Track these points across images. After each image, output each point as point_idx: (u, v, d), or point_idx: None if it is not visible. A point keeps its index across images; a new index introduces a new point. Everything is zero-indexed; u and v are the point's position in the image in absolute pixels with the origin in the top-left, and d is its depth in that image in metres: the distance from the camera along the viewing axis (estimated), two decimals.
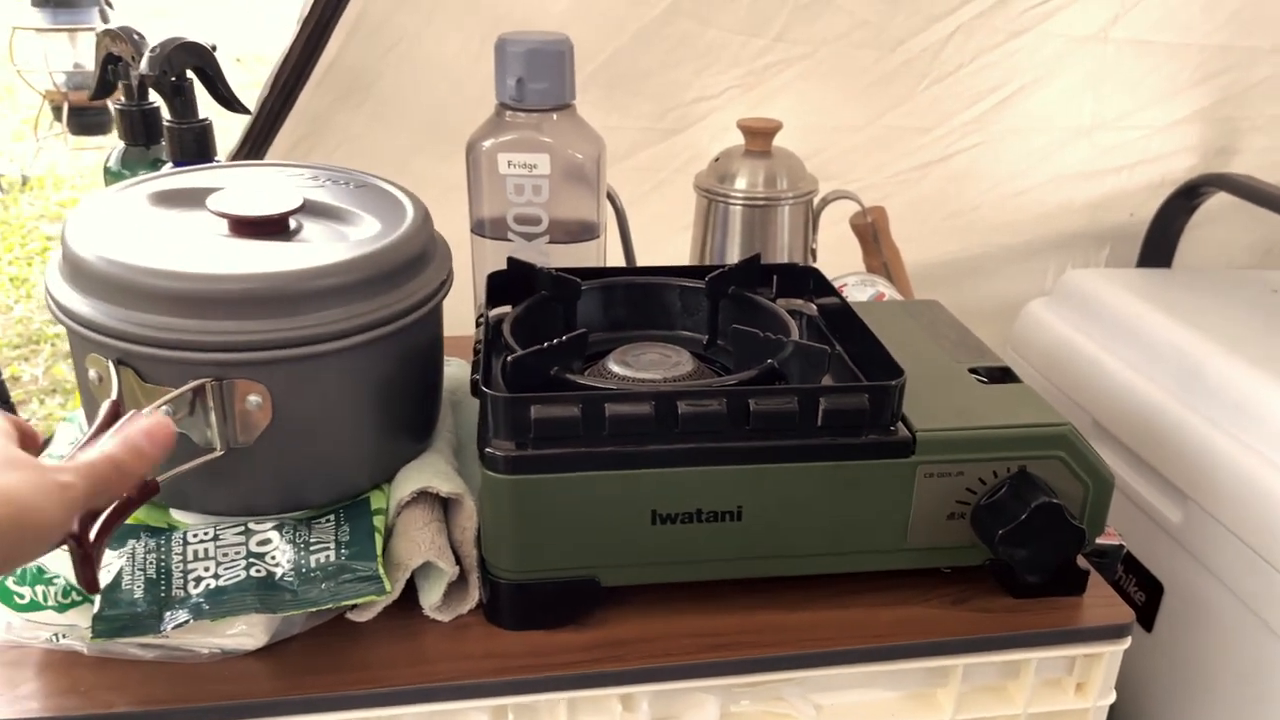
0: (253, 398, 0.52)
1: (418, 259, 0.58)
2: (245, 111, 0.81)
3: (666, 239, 0.95)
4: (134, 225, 0.57)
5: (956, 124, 1.05)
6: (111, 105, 0.82)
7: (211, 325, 0.50)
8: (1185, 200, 1.06)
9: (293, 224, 0.59)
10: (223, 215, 0.57)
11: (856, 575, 0.59)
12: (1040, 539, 0.55)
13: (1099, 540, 0.73)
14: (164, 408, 0.50)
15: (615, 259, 0.88)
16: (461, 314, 0.70)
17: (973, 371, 0.63)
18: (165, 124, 0.75)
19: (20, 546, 0.39)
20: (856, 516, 0.57)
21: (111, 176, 0.82)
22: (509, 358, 0.55)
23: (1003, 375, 0.63)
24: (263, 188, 0.62)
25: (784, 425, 0.54)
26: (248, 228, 0.57)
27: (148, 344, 0.51)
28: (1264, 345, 0.83)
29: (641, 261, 0.89)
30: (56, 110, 3.00)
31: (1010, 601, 0.60)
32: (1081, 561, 0.61)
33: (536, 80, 0.74)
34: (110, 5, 2.57)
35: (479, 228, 0.79)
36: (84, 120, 2.96)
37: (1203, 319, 0.88)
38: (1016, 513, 0.55)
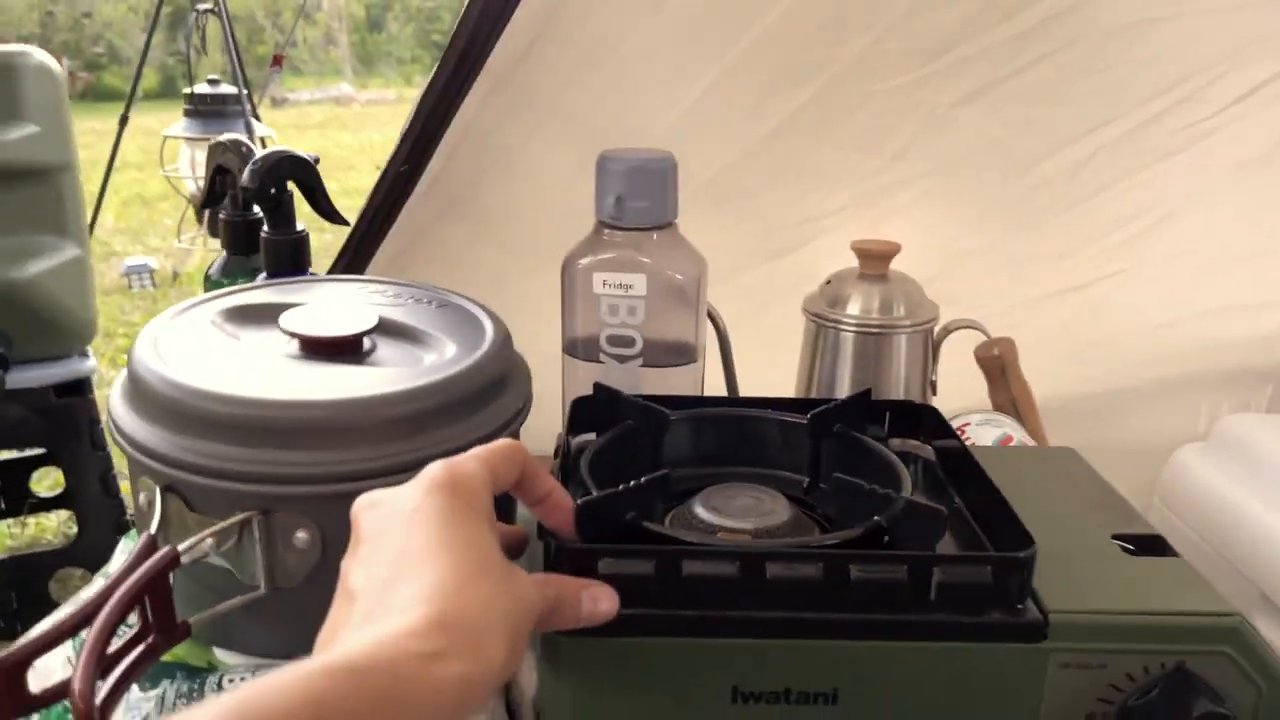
0: (301, 534, 0.48)
1: (491, 387, 0.54)
2: (344, 223, 0.81)
3: (772, 366, 0.89)
4: (202, 344, 0.54)
5: (1095, 250, 0.97)
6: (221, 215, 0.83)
7: (259, 455, 0.47)
8: None
9: (367, 344, 0.56)
10: (293, 335, 0.54)
11: None
12: None
13: None
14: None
15: (715, 386, 0.82)
16: (551, 438, 0.65)
17: (1118, 539, 0.55)
18: (262, 235, 0.75)
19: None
20: (975, 708, 0.48)
21: (211, 284, 0.82)
22: (579, 501, 0.49)
23: (1154, 545, 0.55)
24: (339, 306, 0.59)
25: (890, 598, 0.47)
26: (318, 348, 0.54)
27: (193, 471, 0.47)
28: None
29: (744, 388, 0.83)
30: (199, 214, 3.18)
31: None
32: None
33: (636, 199, 0.70)
34: (258, 118, 2.73)
35: (571, 348, 0.75)
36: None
37: None
38: None
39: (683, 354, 0.74)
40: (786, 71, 0.86)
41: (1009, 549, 0.48)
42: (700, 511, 0.56)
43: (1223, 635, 0.47)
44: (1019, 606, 0.48)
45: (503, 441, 0.44)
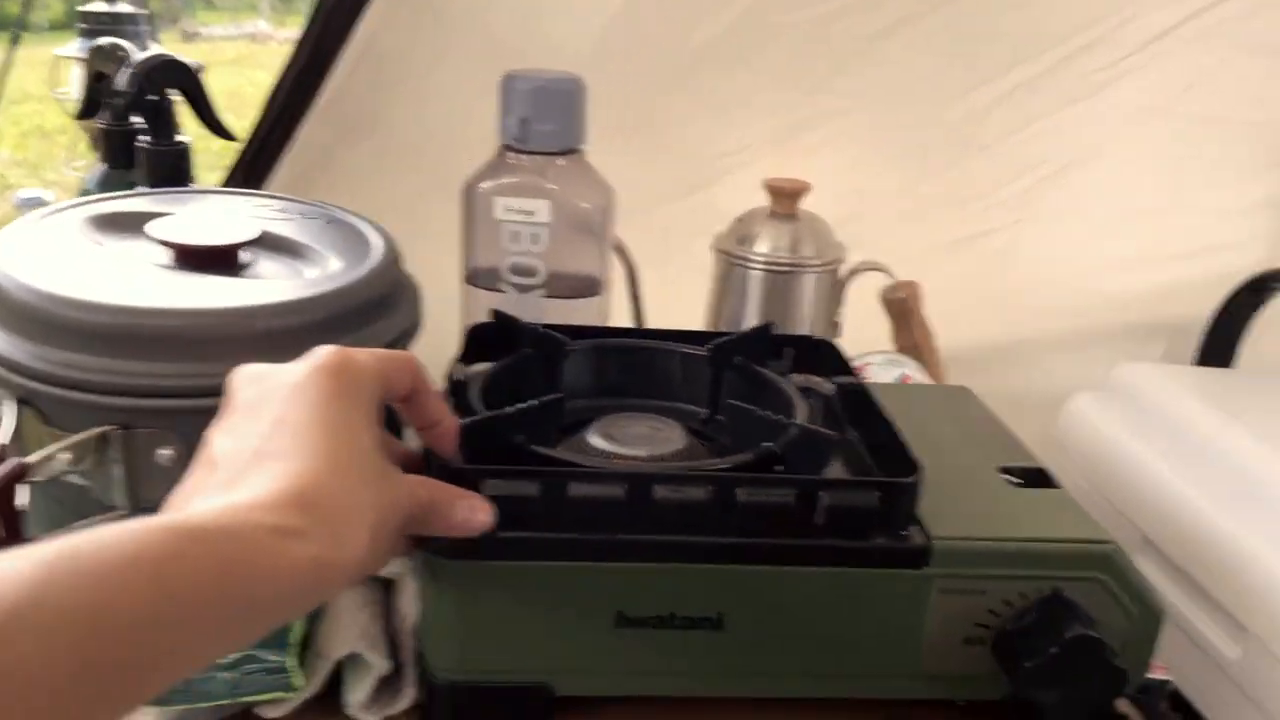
0: (164, 451, 0.45)
1: (376, 304, 0.52)
2: (232, 138, 0.77)
3: (683, 305, 0.88)
4: (65, 251, 0.51)
5: (1003, 196, 0.97)
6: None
7: (119, 365, 0.44)
8: (1251, 296, 0.97)
9: (244, 258, 0.53)
10: (164, 243, 0.51)
11: (853, 701, 0.51)
12: (1073, 678, 0.47)
13: None
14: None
15: (623, 321, 0.81)
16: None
17: (1004, 472, 0.55)
18: (139, 145, 0.70)
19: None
20: (858, 634, 0.49)
21: None
22: (463, 421, 0.48)
23: (1039, 478, 0.55)
24: (218, 217, 0.56)
25: (777, 521, 0.47)
26: (190, 259, 0.51)
27: (48, 381, 0.45)
28: None
29: (654, 326, 0.83)
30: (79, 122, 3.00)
31: None
32: (1122, 705, 0.52)
33: (542, 121, 0.68)
34: (157, 40, 2.58)
35: (472, 277, 0.73)
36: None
37: (1271, 424, 0.79)
38: (1046, 645, 0.46)
39: (588, 286, 0.73)
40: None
41: (897, 475, 0.48)
42: (594, 439, 0.55)
43: (1096, 562, 0.48)
44: (904, 533, 0.48)
45: (399, 352, 0.42)
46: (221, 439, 0.36)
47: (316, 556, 0.32)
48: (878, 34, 0.86)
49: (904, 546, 0.47)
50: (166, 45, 0.68)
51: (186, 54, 0.73)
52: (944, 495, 0.50)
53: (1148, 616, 0.49)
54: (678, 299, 0.84)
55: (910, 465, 0.48)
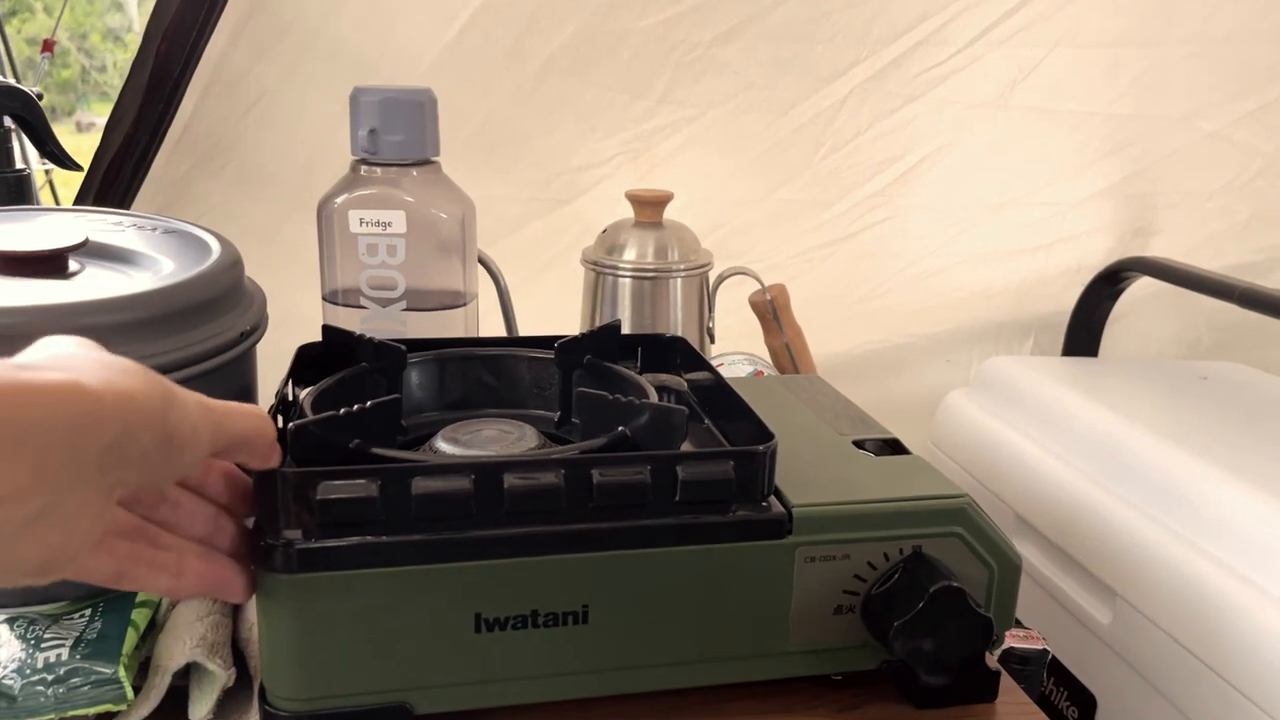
0: None
1: (207, 305, 0.50)
2: (76, 168, 0.74)
3: (558, 320, 0.88)
4: None
5: (860, 197, 1.00)
6: None
7: None
8: (1107, 286, 1.02)
9: (74, 265, 0.51)
10: None
11: (729, 687, 0.50)
12: (941, 631, 0.47)
13: (1021, 646, 0.65)
14: None
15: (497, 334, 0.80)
16: None
17: (859, 445, 0.56)
18: None
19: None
20: (727, 613, 0.48)
21: None
22: (292, 424, 0.44)
23: (892, 448, 0.56)
24: (47, 227, 0.54)
25: (635, 500, 0.45)
26: (16, 266, 0.49)
27: None
28: (1191, 428, 0.77)
29: None
30: None
31: (911, 712, 0.51)
32: (992, 662, 0.53)
33: (391, 132, 0.67)
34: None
35: (332, 296, 0.71)
36: None
37: (1128, 404, 0.83)
38: (912, 601, 0.46)
39: (451, 299, 0.72)
40: (545, 4, 0.84)
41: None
42: (441, 445, 0.52)
43: (951, 517, 0.49)
44: (763, 503, 0.47)
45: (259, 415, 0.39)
46: None
47: (72, 381, 0.30)
48: (716, 40, 0.88)
49: (764, 517, 0.47)
50: (61, 136, 0.65)
51: (82, 145, 0.70)
52: (800, 468, 0.50)
53: (1006, 566, 0.50)
54: (552, 313, 0.84)
55: (765, 434, 0.48)
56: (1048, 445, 0.84)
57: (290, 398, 0.53)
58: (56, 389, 0.29)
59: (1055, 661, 0.75)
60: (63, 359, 0.31)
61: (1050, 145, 1.01)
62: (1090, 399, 0.84)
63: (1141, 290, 1.01)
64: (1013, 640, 0.64)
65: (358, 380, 0.55)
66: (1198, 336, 1.12)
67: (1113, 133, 1.00)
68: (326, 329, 0.57)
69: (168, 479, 0.36)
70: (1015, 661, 0.64)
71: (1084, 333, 1.04)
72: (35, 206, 0.67)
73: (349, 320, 0.70)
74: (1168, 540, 0.68)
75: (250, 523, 0.43)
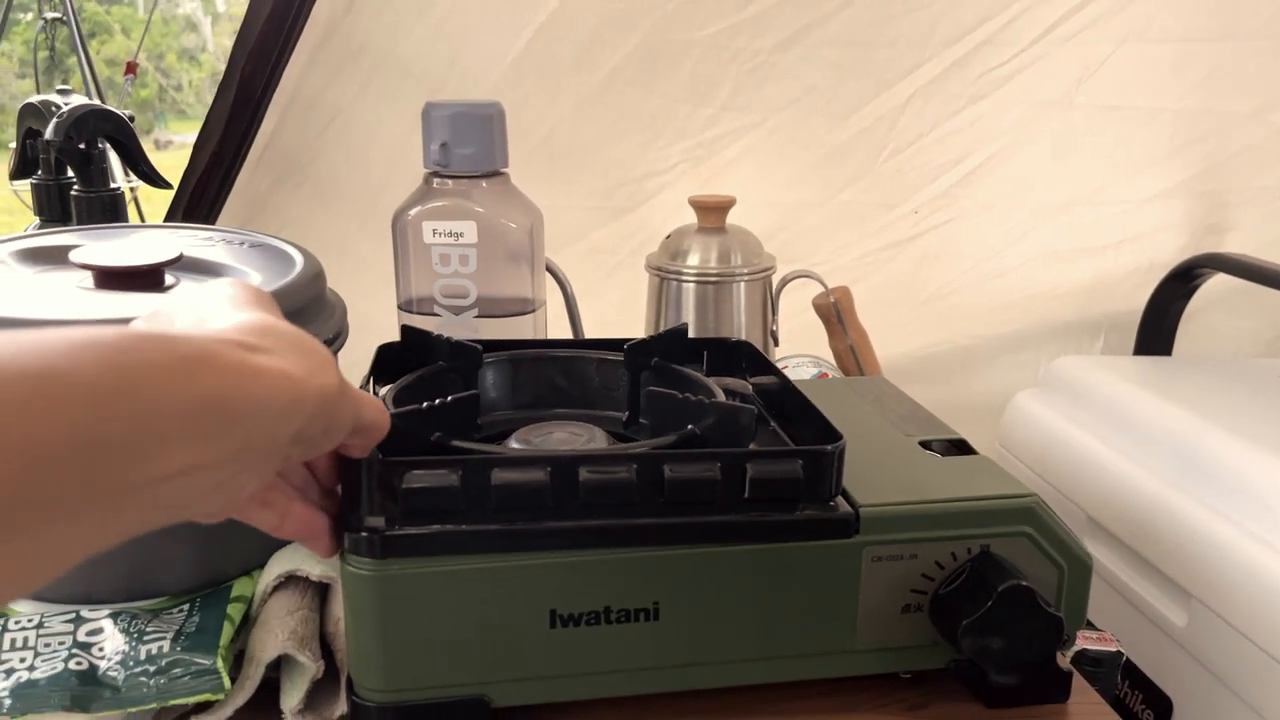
0: None
1: (296, 314, 0.52)
2: (166, 186, 0.78)
3: (624, 326, 0.89)
4: None
5: (923, 199, 1.00)
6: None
7: None
8: (1180, 284, 1.00)
9: (169, 279, 0.53)
10: (85, 266, 0.51)
11: (797, 684, 0.50)
12: (1011, 630, 0.47)
13: (1094, 648, 0.65)
14: None
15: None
16: None
17: (925, 446, 0.56)
18: (73, 194, 0.71)
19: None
20: (795, 611, 0.48)
21: None
22: None
23: (959, 448, 0.56)
24: (142, 243, 0.57)
25: (705, 496, 0.46)
26: (114, 280, 0.52)
27: None
28: (1268, 427, 0.75)
29: None
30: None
31: (980, 711, 0.51)
32: (1064, 663, 0.53)
33: (462, 145, 0.70)
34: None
35: (407, 305, 0.73)
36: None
37: (1202, 402, 0.81)
38: (981, 600, 0.47)
39: (521, 306, 0.74)
40: (608, 18, 0.86)
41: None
42: (515, 446, 0.53)
43: (1019, 516, 0.49)
44: (830, 503, 0.48)
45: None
46: (162, 317, 0.36)
47: (284, 370, 0.31)
48: (777, 46, 0.88)
49: (832, 516, 0.48)
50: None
51: (160, 162, 0.74)
52: (868, 468, 0.51)
53: (1076, 566, 0.50)
54: (616, 319, 0.85)
55: (833, 434, 0.49)
56: (1120, 445, 0.82)
57: (371, 394, 0.55)
58: (271, 375, 0.31)
59: (1130, 664, 0.75)
60: (270, 336, 0.33)
61: (1117, 143, 1.00)
62: (1164, 398, 0.83)
63: (1215, 288, 0.99)
64: (1085, 642, 0.64)
65: (435, 378, 0.57)
66: (1276, 334, 1.09)
67: (1182, 129, 0.98)
68: (405, 329, 0.59)
69: (321, 451, 0.39)
70: (1088, 663, 0.64)
71: (1156, 331, 1.02)
72: (129, 224, 0.71)
73: (423, 327, 0.72)
74: (1244, 541, 0.67)
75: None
